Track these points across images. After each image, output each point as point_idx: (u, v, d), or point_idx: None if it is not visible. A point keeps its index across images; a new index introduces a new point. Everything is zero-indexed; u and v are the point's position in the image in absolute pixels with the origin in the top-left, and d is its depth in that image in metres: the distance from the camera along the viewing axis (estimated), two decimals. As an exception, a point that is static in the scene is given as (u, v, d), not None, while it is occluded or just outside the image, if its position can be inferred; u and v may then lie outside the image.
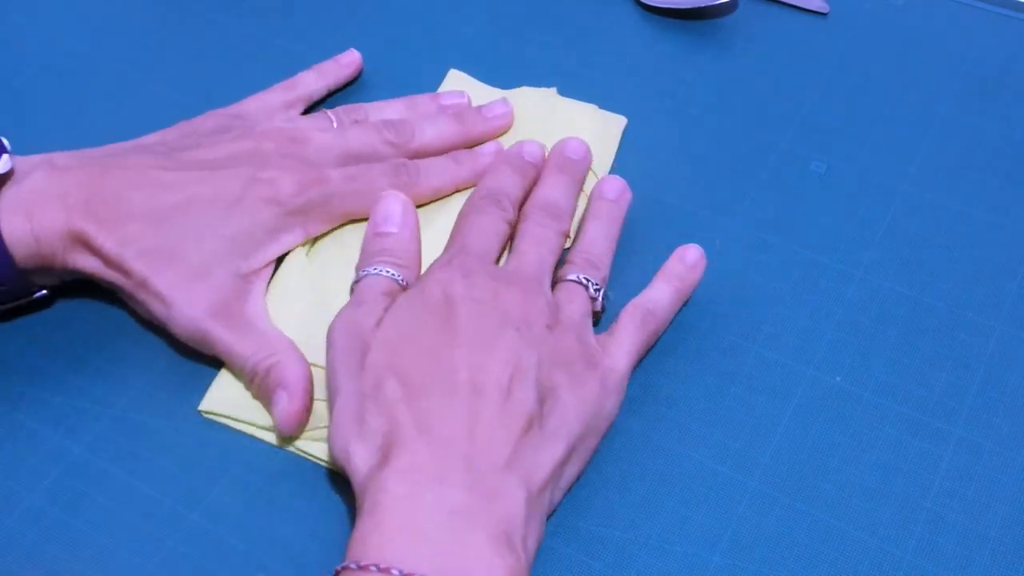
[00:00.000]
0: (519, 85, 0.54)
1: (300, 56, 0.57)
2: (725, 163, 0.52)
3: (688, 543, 0.39)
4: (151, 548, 0.39)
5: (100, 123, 0.54)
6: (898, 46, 0.57)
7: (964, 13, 0.59)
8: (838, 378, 0.44)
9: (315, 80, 0.53)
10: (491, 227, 0.44)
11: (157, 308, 0.43)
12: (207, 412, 0.43)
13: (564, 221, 0.46)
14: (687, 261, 0.45)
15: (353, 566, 0.34)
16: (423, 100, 0.52)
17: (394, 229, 0.45)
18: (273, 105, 0.51)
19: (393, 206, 0.46)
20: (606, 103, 0.53)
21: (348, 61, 0.55)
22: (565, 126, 0.51)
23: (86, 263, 0.43)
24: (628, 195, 0.48)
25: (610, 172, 0.50)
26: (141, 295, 0.43)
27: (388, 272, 0.43)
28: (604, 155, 0.51)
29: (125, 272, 0.42)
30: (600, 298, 0.44)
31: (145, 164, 0.44)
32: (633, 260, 0.48)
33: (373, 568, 0.33)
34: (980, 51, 0.57)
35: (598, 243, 0.45)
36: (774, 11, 0.59)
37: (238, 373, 0.43)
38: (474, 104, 0.52)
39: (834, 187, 0.51)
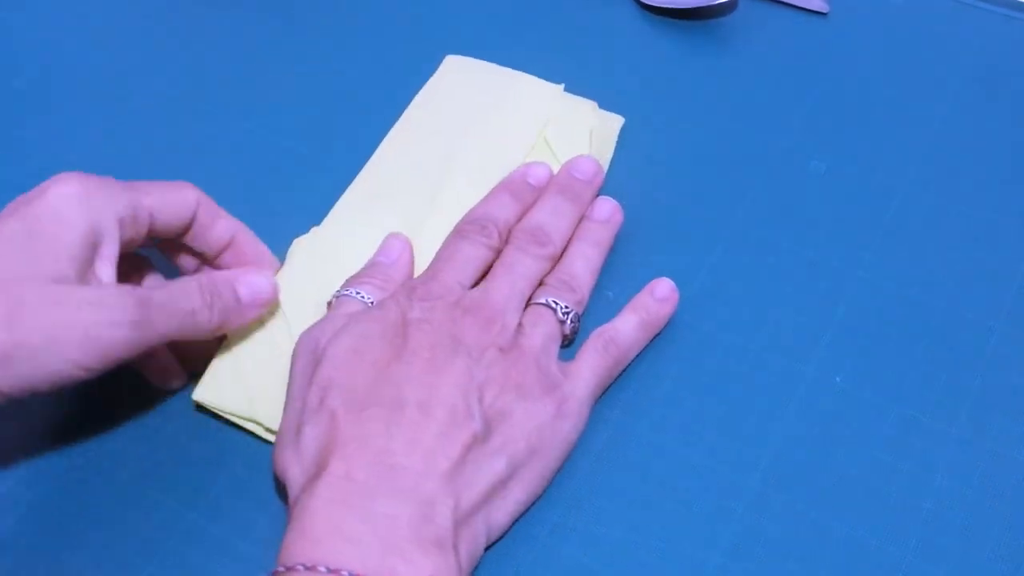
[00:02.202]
0: (519, 85, 0.54)
1: (299, 55, 0.57)
2: (725, 163, 0.52)
3: (688, 543, 0.39)
4: (151, 548, 0.39)
5: (100, 124, 0.54)
6: (898, 46, 0.57)
7: (964, 13, 0.59)
8: (838, 378, 0.44)
9: None
10: (470, 255, 0.44)
11: None
12: (200, 404, 0.42)
13: (549, 246, 0.45)
14: (657, 295, 0.45)
15: (281, 569, 0.34)
16: None
17: (386, 260, 0.45)
18: None
19: (393, 242, 0.46)
20: (605, 103, 0.53)
21: None
22: (563, 122, 0.51)
23: None
24: (619, 217, 0.48)
25: (606, 173, 0.50)
26: None
27: (363, 296, 0.43)
28: (601, 155, 0.51)
29: None
30: (569, 321, 0.43)
31: None
32: (632, 260, 0.48)
33: (300, 567, 0.33)
34: (980, 51, 0.57)
35: (578, 266, 0.45)
36: (774, 11, 0.59)
37: (232, 363, 0.42)
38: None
39: (834, 187, 0.51)
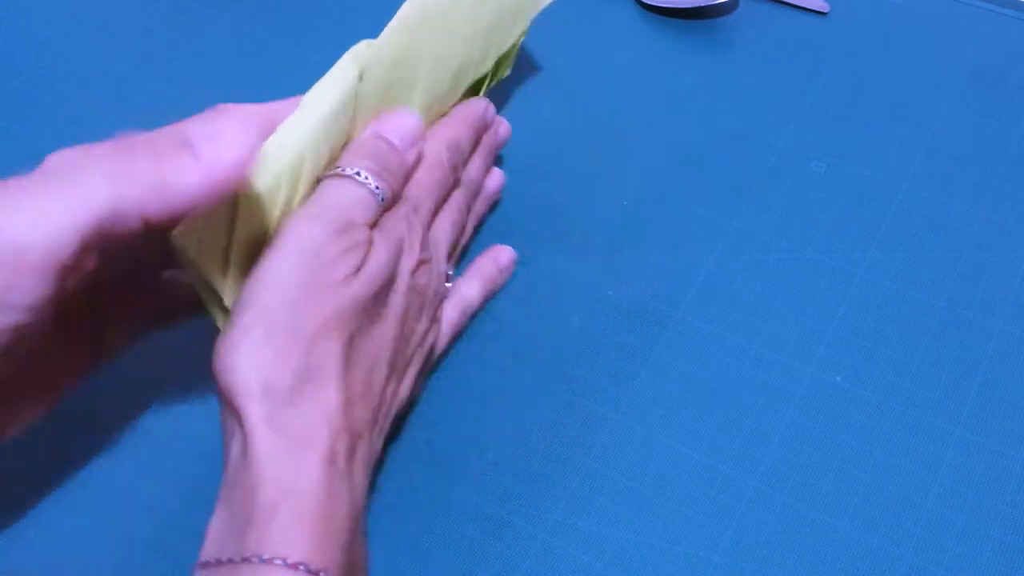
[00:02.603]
0: (521, 85, 0.54)
1: (300, 56, 0.57)
2: (725, 163, 0.52)
3: (689, 543, 0.39)
4: (152, 546, 0.39)
5: (99, 125, 0.54)
6: (898, 46, 0.57)
7: (964, 13, 0.59)
8: (838, 378, 0.44)
9: None
10: (442, 191, 0.42)
11: None
12: (176, 240, 0.34)
13: (466, 212, 0.45)
14: (500, 263, 0.47)
15: (278, 561, 0.30)
16: None
17: (399, 144, 0.40)
18: None
19: (408, 124, 0.41)
20: (606, 102, 0.53)
21: None
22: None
23: None
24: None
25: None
26: None
27: (371, 183, 0.38)
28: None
29: None
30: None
31: None
32: (633, 260, 0.48)
33: (301, 568, 0.31)
34: (980, 51, 0.57)
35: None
36: (774, 11, 0.59)
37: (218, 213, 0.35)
38: None
39: (834, 186, 0.51)
